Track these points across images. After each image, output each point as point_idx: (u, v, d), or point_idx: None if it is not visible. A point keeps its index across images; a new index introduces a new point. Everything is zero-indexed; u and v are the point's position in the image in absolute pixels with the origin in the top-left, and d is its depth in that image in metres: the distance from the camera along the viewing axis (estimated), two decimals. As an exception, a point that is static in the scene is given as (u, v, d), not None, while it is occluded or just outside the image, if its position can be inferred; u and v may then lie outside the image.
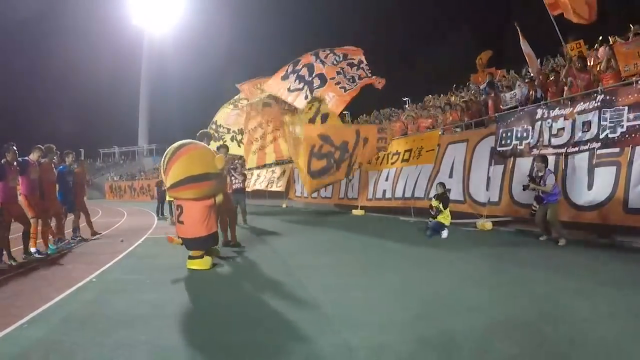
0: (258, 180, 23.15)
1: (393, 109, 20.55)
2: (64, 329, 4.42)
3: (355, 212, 15.54)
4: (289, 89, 12.77)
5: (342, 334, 3.94)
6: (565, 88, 10.30)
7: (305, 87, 12.47)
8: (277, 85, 13.28)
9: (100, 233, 11.94)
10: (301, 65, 12.87)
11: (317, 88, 12.41)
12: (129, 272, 7.13)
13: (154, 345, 3.87)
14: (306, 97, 12.42)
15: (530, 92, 11.35)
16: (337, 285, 5.73)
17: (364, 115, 21.89)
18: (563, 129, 8.87)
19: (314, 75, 12.56)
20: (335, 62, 12.78)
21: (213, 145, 9.69)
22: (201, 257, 7.07)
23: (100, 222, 16.74)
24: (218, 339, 4.02)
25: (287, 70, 13.10)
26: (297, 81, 12.73)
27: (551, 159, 8.89)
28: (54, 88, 66.00)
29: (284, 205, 21.19)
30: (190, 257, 7.11)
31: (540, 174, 8.27)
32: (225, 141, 17.28)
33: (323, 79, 12.46)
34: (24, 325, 4.54)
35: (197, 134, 8.17)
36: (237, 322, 4.46)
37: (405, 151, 13.73)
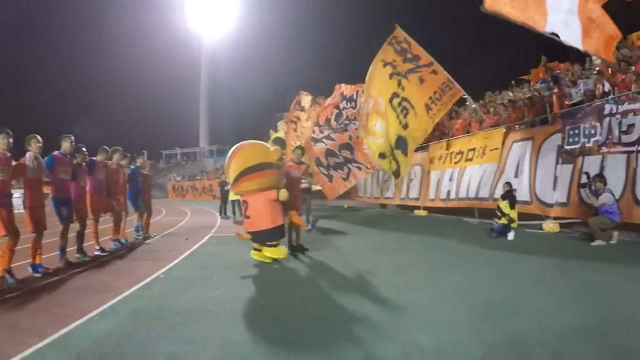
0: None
1: (453, 107, 20.10)
2: (134, 322, 4.55)
3: (417, 212, 15.26)
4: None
5: (411, 334, 3.89)
6: (634, 80, 9.62)
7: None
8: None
9: (154, 235, 12.19)
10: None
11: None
12: (195, 269, 7.29)
13: (223, 341, 3.92)
14: None
15: (597, 86, 10.69)
16: (403, 285, 5.67)
17: None
18: (633, 125, 8.26)
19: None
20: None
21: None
22: (276, 245, 7.36)
23: (164, 220, 17.33)
24: (286, 337, 4.01)
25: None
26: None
27: (621, 158, 8.41)
28: (119, 92, 69.23)
29: (345, 206, 21.13)
30: (267, 245, 7.36)
31: (598, 193, 8.04)
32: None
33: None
34: (95, 317, 4.72)
35: (272, 139, 8.35)
36: (305, 320, 4.46)
37: (469, 150, 13.31)
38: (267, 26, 61.62)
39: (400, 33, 11.20)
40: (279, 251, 7.37)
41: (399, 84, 11.41)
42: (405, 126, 11.46)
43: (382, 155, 11.99)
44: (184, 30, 67.21)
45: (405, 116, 11.43)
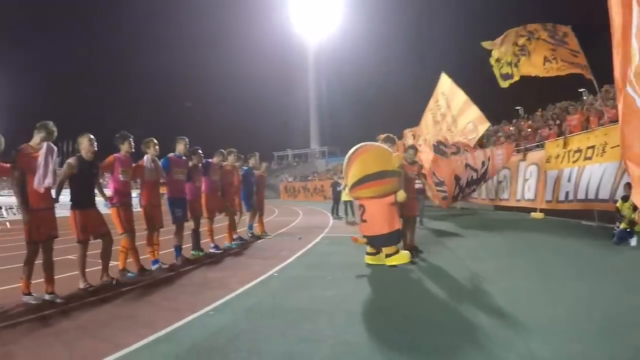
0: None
1: (570, 101, 18.62)
2: (248, 318, 4.62)
3: (533, 215, 14.32)
4: None
5: (529, 343, 3.66)
6: None
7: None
8: None
9: (268, 235, 12.45)
10: None
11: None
12: (308, 269, 7.34)
13: (336, 341, 3.88)
14: None
15: None
16: (520, 291, 5.41)
17: (540, 110, 20.25)
18: None
19: None
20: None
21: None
22: (397, 252, 7.19)
23: (277, 220, 17.76)
24: (400, 339, 3.88)
25: None
26: None
27: None
28: (232, 96, 72.81)
29: (458, 207, 20.36)
30: (388, 255, 7.22)
31: None
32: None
33: None
34: (210, 312, 4.86)
35: (382, 138, 8.18)
36: (419, 324, 4.33)
37: (588, 148, 12.15)
38: (372, 25, 61.82)
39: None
40: (402, 257, 7.18)
41: (529, 39, 12.13)
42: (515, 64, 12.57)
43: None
44: (291, 34, 69.11)
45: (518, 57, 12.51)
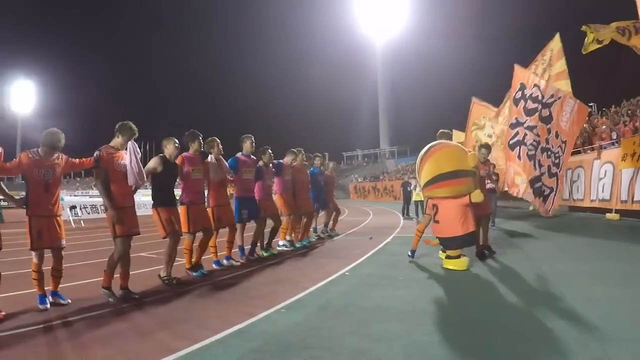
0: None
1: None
2: (320, 316, 4.60)
3: (609, 216, 13.62)
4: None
5: (606, 349, 3.44)
6: None
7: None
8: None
9: (338, 234, 12.46)
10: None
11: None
12: (380, 268, 7.26)
13: (408, 341, 3.80)
14: None
15: None
16: (599, 296, 5.12)
17: (614, 107, 19.13)
18: None
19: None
20: None
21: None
22: (458, 257, 6.96)
23: (347, 220, 17.75)
24: (473, 342, 3.77)
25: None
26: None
27: None
28: (301, 98, 73.73)
29: (530, 208, 19.53)
30: (448, 257, 7.07)
31: None
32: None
33: None
34: (282, 310, 4.87)
35: (437, 134, 8.06)
36: (493, 327, 4.18)
37: None
38: (440, 22, 60.62)
39: None
40: (461, 263, 6.90)
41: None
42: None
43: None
44: (358, 34, 68.92)
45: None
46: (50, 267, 5.29)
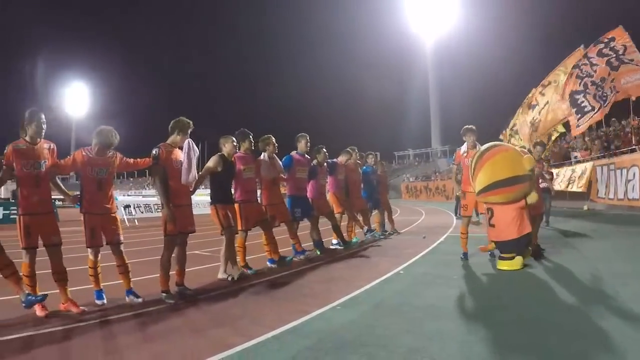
0: (556, 180, 21.04)
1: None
2: (375, 314, 4.58)
3: None
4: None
5: None
6: None
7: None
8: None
9: (398, 232, 12.39)
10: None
11: None
12: (434, 267, 7.17)
13: (463, 339, 3.76)
14: None
15: None
16: None
17: None
18: None
19: None
20: None
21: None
22: (512, 257, 6.79)
23: (399, 220, 17.62)
24: (530, 343, 3.67)
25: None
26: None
27: None
28: (351, 97, 73.73)
29: (585, 208, 18.78)
30: (501, 258, 6.91)
31: None
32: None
33: None
34: (337, 307, 4.87)
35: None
36: (548, 325, 4.09)
37: None
38: (491, 20, 59.14)
39: None
40: (515, 263, 6.71)
41: None
42: None
43: None
44: (408, 34, 68.22)
45: None
46: (115, 265, 5.38)
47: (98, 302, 5.19)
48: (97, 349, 3.76)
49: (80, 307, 4.88)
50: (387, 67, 73.83)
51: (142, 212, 22.27)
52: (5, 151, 4.77)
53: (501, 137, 21.50)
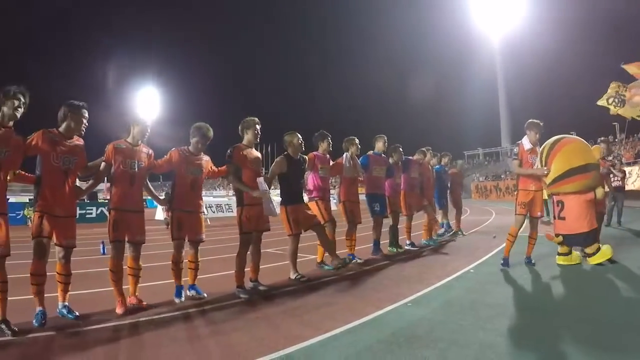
0: (630, 180, 19.73)
1: None
2: (446, 311, 4.62)
3: None
4: None
5: None
6: None
7: None
8: None
9: (463, 234, 12.17)
10: None
11: None
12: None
13: (537, 336, 3.79)
14: None
15: None
16: None
17: None
18: None
19: None
20: None
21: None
22: (569, 253, 6.85)
23: (470, 219, 17.35)
24: (604, 340, 3.65)
25: None
26: None
27: None
28: (420, 97, 72.82)
29: None
30: (559, 254, 6.97)
31: None
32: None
33: None
34: (408, 304, 4.93)
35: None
36: (623, 326, 4.02)
37: None
38: (560, 15, 56.44)
39: None
40: (605, 254, 6.55)
41: None
42: None
43: None
44: (475, 31, 66.40)
45: None
46: (187, 261, 5.55)
47: (176, 299, 5.32)
48: (177, 341, 3.94)
49: (144, 303, 5.05)
50: (455, 65, 72.47)
51: (214, 212, 22.94)
52: (106, 149, 4.98)
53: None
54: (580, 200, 6.69)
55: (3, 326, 3.98)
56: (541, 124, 7.11)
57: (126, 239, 5.02)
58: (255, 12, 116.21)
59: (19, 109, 4.15)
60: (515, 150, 7.08)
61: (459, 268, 6.91)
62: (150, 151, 5.27)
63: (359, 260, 7.75)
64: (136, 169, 5.02)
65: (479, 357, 3.29)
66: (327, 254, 7.07)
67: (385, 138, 8.63)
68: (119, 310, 4.79)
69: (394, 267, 7.43)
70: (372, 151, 8.58)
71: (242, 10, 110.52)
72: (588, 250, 6.70)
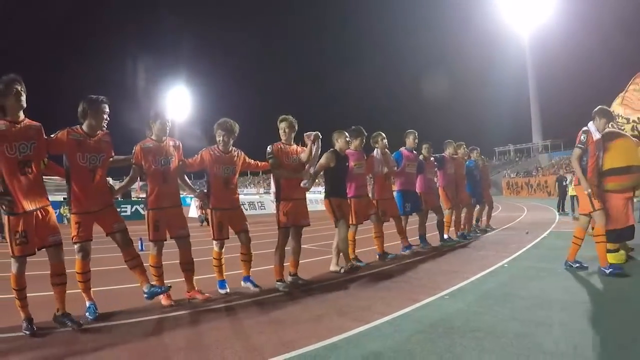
0: None
1: None
2: (482, 303, 4.69)
3: None
4: None
5: None
6: None
7: None
8: None
9: (493, 228, 12.16)
10: None
11: None
12: (538, 261, 7.11)
13: (569, 328, 3.84)
14: None
15: None
16: None
17: None
18: None
19: None
20: None
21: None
22: (616, 250, 6.51)
23: (501, 216, 17.22)
24: (633, 331, 3.71)
25: None
26: None
27: None
28: (450, 93, 72.20)
29: None
30: (608, 250, 6.52)
31: None
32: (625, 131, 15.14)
33: None
34: (445, 297, 5.03)
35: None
36: None
37: None
38: (591, 8, 54.93)
39: None
40: (618, 257, 6.41)
41: None
42: None
43: None
44: (504, 26, 65.13)
45: None
46: (239, 253, 5.66)
47: (221, 291, 5.44)
48: (222, 331, 4.08)
49: (205, 294, 5.14)
50: (485, 61, 71.50)
51: (247, 209, 23.16)
52: (133, 151, 4.94)
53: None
54: (617, 196, 6.41)
55: (67, 321, 4.11)
56: (607, 109, 6.47)
57: (168, 236, 5.09)
58: (283, 10, 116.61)
59: (21, 97, 3.94)
60: (582, 138, 6.15)
61: (493, 263, 6.94)
62: (178, 142, 5.27)
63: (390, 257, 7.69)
64: (169, 165, 5.04)
65: (515, 346, 3.37)
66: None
67: (416, 133, 8.59)
68: (164, 302, 4.86)
69: (428, 262, 7.48)
70: (403, 147, 8.58)
71: (273, 6, 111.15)
72: (609, 246, 6.43)
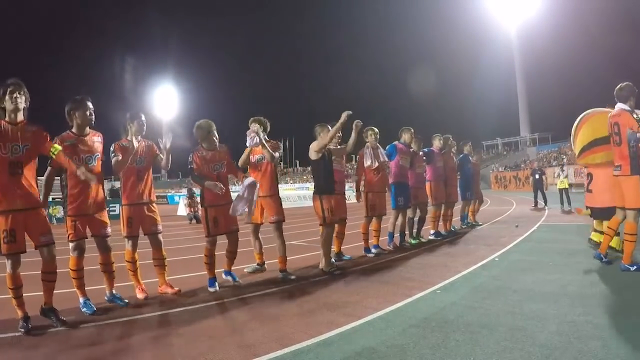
0: None
1: None
2: (474, 297, 4.67)
3: None
4: None
5: None
6: None
7: None
8: None
9: (479, 224, 11.99)
10: None
11: None
12: (529, 254, 7.12)
13: (562, 320, 3.81)
14: None
15: None
16: None
17: None
18: None
19: None
20: None
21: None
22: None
23: (491, 210, 17.30)
24: (625, 322, 3.71)
25: None
26: None
27: None
28: (437, 87, 72.42)
29: None
30: (595, 230, 6.82)
31: None
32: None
33: None
34: (437, 291, 5.01)
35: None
36: None
37: None
38: (576, 4, 55.14)
39: None
40: (614, 241, 6.36)
41: None
42: None
43: None
44: (491, 19, 65.29)
45: None
46: (226, 250, 5.68)
47: (211, 289, 5.39)
48: (219, 328, 4.07)
49: (175, 288, 5.23)
50: (472, 55, 71.63)
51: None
52: (111, 149, 5.03)
53: None
54: (608, 173, 6.19)
55: (52, 316, 4.13)
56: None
57: (141, 232, 5.19)
58: (269, 8, 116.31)
59: (19, 100, 3.94)
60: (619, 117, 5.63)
61: (484, 256, 6.93)
62: (150, 143, 5.33)
63: (383, 252, 7.76)
64: (142, 164, 5.17)
65: (508, 340, 3.35)
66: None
67: (412, 131, 8.54)
68: (139, 295, 5.02)
69: (420, 256, 7.46)
70: (398, 141, 8.49)
71: (259, 4, 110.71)
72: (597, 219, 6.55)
